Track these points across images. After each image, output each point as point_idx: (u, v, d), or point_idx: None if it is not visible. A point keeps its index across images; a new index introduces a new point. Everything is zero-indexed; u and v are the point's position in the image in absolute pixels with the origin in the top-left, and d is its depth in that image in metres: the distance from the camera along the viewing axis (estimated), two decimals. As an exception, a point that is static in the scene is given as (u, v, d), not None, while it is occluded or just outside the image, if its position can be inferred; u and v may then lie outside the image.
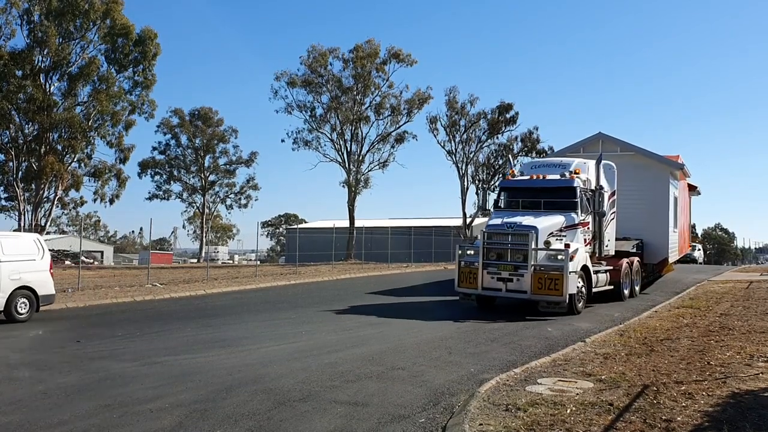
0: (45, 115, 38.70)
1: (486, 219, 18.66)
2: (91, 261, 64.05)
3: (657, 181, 22.57)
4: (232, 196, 72.48)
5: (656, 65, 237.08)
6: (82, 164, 43.56)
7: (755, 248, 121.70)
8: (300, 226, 79.65)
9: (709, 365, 9.47)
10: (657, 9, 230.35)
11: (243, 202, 72.30)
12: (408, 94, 52.41)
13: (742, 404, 7.32)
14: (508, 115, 55.14)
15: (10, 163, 39.91)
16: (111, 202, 45.59)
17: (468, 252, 17.26)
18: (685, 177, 26.48)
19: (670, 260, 23.95)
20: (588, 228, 17.93)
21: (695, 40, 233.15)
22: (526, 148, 56.67)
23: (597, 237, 18.29)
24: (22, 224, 39.09)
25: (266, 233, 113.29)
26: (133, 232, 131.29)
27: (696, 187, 32.20)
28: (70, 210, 53.92)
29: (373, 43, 51.13)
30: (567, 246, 16.09)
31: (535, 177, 18.20)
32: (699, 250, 59.37)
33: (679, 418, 6.80)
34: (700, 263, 54.37)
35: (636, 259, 21.22)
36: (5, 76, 37.50)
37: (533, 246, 16.02)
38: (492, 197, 19.29)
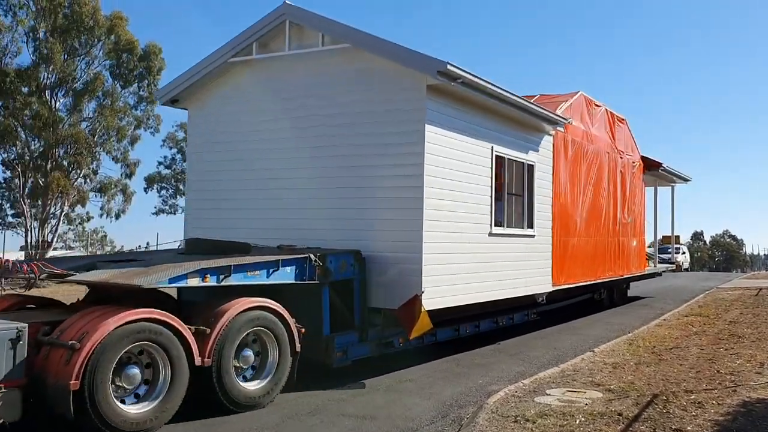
0: (51, 131, 38.85)
1: None
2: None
3: (399, 111, 10.07)
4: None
5: (675, 67, 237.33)
6: (88, 180, 43.63)
7: (764, 255, 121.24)
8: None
9: (719, 374, 9.42)
10: (676, 11, 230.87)
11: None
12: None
13: (753, 413, 7.27)
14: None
15: (17, 180, 40.07)
16: (117, 217, 45.55)
17: None
18: (565, 123, 14.06)
19: (442, 303, 10.10)
20: None
21: (709, 44, 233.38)
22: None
23: None
24: (29, 240, 39.22)
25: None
26: (139, 246, 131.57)
27: (660, 165, 21.04)
28: (76, 225, 54.19)
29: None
30: None
31: None
32: (684, 254, 52.17)
33: (689, 428, 6.76)
34: (686, 269, 48.22)
35: (240, 306, 7.80)
36: (11, 93, 37.70)
37: None
38: None
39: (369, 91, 10.44)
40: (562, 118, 13.98)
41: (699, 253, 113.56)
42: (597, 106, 16.96)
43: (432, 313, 9.51)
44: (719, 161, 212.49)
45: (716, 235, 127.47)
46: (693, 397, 8.02)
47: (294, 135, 11.03)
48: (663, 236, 33.35)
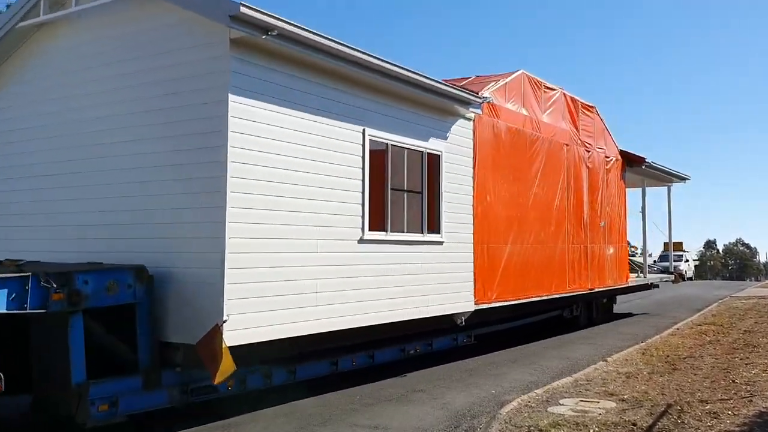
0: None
1: None
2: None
3: (197, 77, 7.56)
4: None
5: (681, 73, 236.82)
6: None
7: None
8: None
9: (734, 383, 9.34)
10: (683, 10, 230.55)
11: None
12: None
13: (769, 423, 7.20)
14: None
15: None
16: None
17: None
18: (481, 102, 11.34)
19: (264, 334, 7.55)
20: None
21: (721, 45, 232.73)
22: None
23: None
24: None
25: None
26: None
27: (643, 160, 18.27)
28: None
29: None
30: None
31: None
32: (687, 261, 47.03)
33: (704, 438, 6.70)
34: (689, 278, 44.18)
35: None
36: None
37: None
38: None
39: (163, 53, 7.94)
40: (473, 95, 11.09)
41: (712, 262, 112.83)
42: (549, 89, 14.36)
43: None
44: (733, 168, 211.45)
45: (729, 243, 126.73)
46: (708, 407, 7.95)
47: (82, 118, 8.62)
48: (664, 242, 32.30)
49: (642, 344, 13.36)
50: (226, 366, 6.84)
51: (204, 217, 7.29)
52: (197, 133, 7.45)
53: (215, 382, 6.99)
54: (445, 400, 8.83)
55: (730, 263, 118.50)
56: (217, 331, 6.87)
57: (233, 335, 7.03)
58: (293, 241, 8.00)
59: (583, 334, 15.48)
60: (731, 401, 8.22)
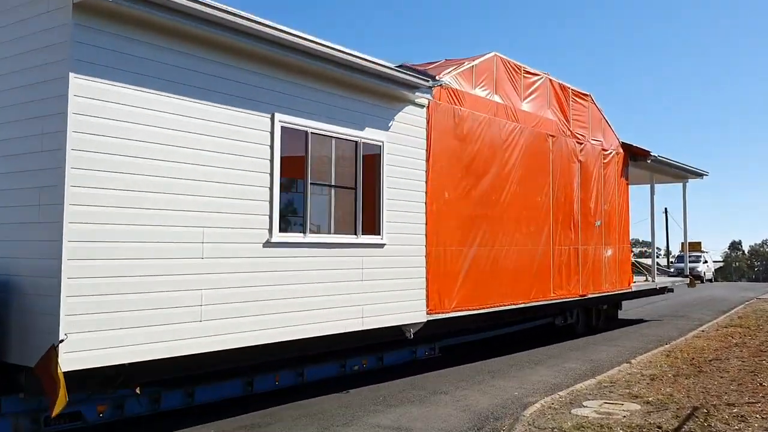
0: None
1: None
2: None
3: (36, 52, 6.44)
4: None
5: (714, 73, 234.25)
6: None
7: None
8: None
9: (762, 386, 9.22)
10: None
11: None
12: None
13: (798, 427, 7.10)
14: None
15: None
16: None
17: None
18: (429, 85, 9.88)
19: (117, 356, 6.27)
20: None
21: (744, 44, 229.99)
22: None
23: None
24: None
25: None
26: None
27: (648, 154, 16.45)
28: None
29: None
30: None
31: None
32: (706, 262, 43.86)
33: (732, 442, 6.62)
34: (709, 280, 41.91)
35: None
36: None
37: None
38: None
39: (8, 26, 6.79)
40: (419, 78, 9.68)
41: (737, 263, 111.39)
42: (531, 74, 12.90)
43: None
44: (761, 168, 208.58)
45: (755, 244, 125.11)
46: (735, 410, 7.86)
47: None
48: (682, 242, 31.80)
49: (666, 346, 13.24)
50: (62, 396, 5.66)
51: (42, 216, 6.19)
52: (36, 117, 6.36)
53: (53, 415, 5.78)
54: (468, 402, 8.81)
55: (756, 265, 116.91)
56: (51, 353, 5.74)
57: (73, 358, 5.89)
58: (166, 245, 6.77)
59: (605, 336, 15.37)
60: (759, 404, 8.12)
